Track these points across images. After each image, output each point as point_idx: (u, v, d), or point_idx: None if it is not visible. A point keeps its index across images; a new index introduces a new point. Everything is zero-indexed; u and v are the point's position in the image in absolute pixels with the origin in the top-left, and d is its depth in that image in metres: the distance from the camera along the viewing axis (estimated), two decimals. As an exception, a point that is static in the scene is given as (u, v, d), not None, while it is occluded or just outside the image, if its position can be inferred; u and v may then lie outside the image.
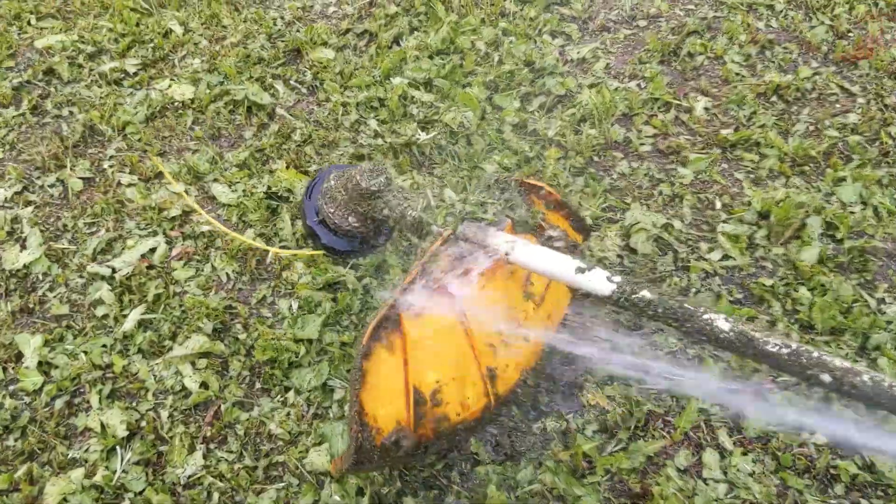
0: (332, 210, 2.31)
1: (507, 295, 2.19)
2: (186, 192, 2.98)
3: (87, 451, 2.34)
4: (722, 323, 1.92)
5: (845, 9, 3.36)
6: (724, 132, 2.98)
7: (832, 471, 2.16)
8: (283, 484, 2.26)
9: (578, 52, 3.39)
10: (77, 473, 2.29)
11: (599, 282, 2.02)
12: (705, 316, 1.94)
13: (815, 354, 1.85)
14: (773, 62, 3.24)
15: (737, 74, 3.21)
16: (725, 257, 2.61)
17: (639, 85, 3.23)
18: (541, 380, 2.38)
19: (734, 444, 2.23)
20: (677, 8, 3.58)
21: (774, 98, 3.10)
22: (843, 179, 2.76)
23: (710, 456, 2.21)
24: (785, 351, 1.87)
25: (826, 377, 1.85)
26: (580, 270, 2.04)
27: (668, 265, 2.63)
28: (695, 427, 2.28)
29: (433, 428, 2.08)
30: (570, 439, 2.26)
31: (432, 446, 2.16)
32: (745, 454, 2.21)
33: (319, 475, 2.26)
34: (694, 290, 2.55)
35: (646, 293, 1.98)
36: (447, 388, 2.07)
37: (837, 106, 3.04)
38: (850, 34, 3.27)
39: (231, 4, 3.76)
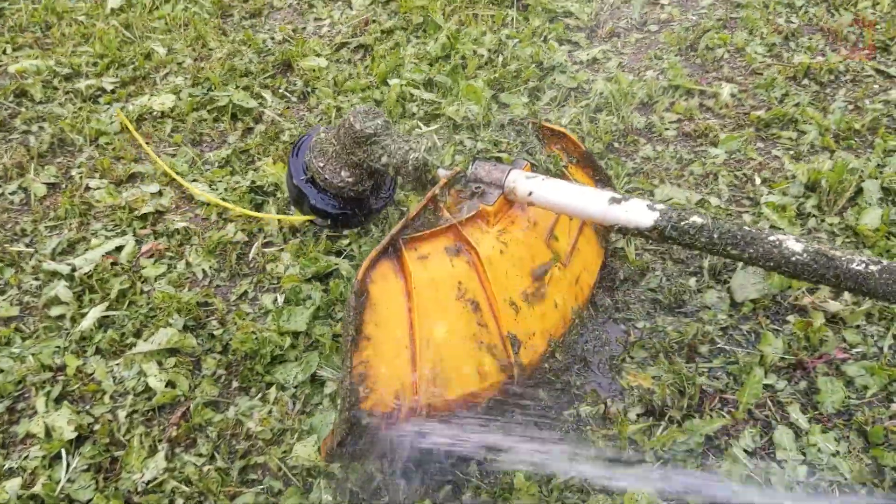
0: (322, 164, 2.00)
1: (529, 248, 1.85)
2: (161, 192, 2.67)
3: (26, 458, 1.93)
4: (793, 244, 1.58)
5: (868, 4, 3.16)
6: (755, 113, 2.71)
7: (935, 445, 1.76)
8: (262, 487, 1.85)
9: (588, 54, 3.16)
10: (12, 484, 1.88)
11: (639, 212, 1.69)
12: (771, 238, 1.60)
13: (911, 270, 1.50)
14: (800, 50, 3.00)
15: (761, 63, 2.97)
16: (772, 229, 2.27)
17: (656, 77, 2.98)
18: (571, 357, 2.00)
19: (809, 421, 1.84)
20: (690, 13, 3.38)
21: (806, 81, 2.84)
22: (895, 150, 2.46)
23: (782, 434, 1.81)
24: (874, 268, 1.52)
25: (930, 295, 1.49)
26: (615, 201, 1.71)
27: (708, 241, 2.29)
28: (759, 405, 1.88)
29: (444, 399, 1.70)
30: (611, 424, 1.86)
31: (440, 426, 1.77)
32: (824, 432, 1.81)
33: (306, 475, 1.85)
34: (740, 265, 2.21)
35: (696, 218, 1.64)
36: (460, 347, 1.70)
37: (875, 87, 2.78)
38: (878, 26, 3.05)
39: (219, 29, 3.57)
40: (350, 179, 1.99)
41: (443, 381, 1.69)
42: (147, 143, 2.90)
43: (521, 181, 1.79)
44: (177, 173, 2.73)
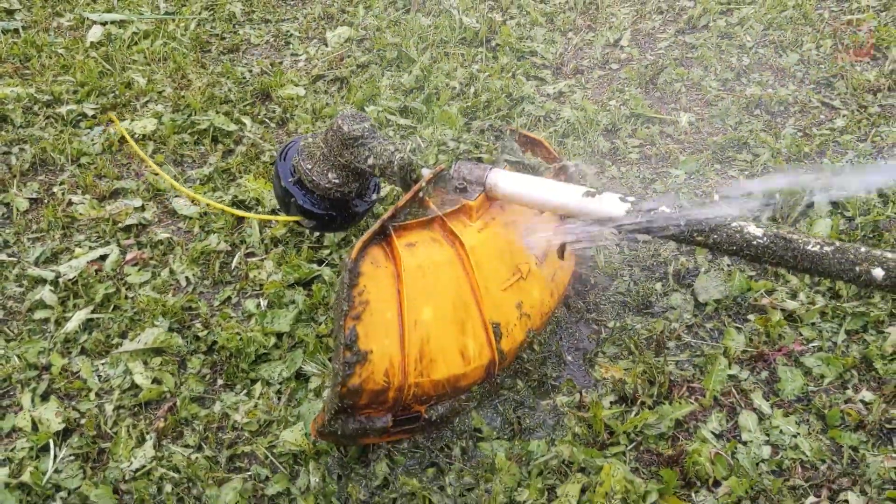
0: (309, 167, 2.10)
1: (508, 244, 1.96)
2: (144, 206, 2.74)
3: (13, 450, 1.96)
4: (753, 229, 1.71)
5: (812, 46, 3.39)
6: (712, 138, 2.89)
7: (888, 425, 1.88)
8: (249, 473, 1.89)
9: (554, 88, 3.34)
10: (0, 473, 1.90)
11: (612, 204, 1.82)
12: (734, 224, 1.74)
13: (864, 249, 1.64)
14: (751, 84, 3.20)
15: (716, 95, 3.16)
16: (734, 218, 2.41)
17: (619, 106, 3.15)
18: (548, 349, 2.09)
19: (772, 406, 1.95)
20: (648, 53, 3.59)
21: (758, 111, 3.04)
22: (843, 171, 2.65)
23: (746, 418, 1.92)
24: (828, 249, 1.65)
25: (878, 272, 1.63)
26: (589, 195, 1.84)
27: (672, 249, 2.43)
28: (725, 393, 2.00)
29: (430, 379, 1.78)
30: (587, 412, 1.96)
31: (429, 409, 1.85)
32: (786, 416, 1.92)
33: (293, 461, 1.90)
34: (702, 269, 2.34)
35: (665, 208, 1.77)
36: (445, 330, 1.79)
37: (822, 116, 2.98)
38: (822, 65, 3.28)
39: (197, 62, 3.68)
40: (337, 181, 2.09)
41: (429, 362, 1.77)
42: (132, 162, 2.98)
43: (502, 178, 1.91)
44: (157, 191, 2.81)
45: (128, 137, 2.74)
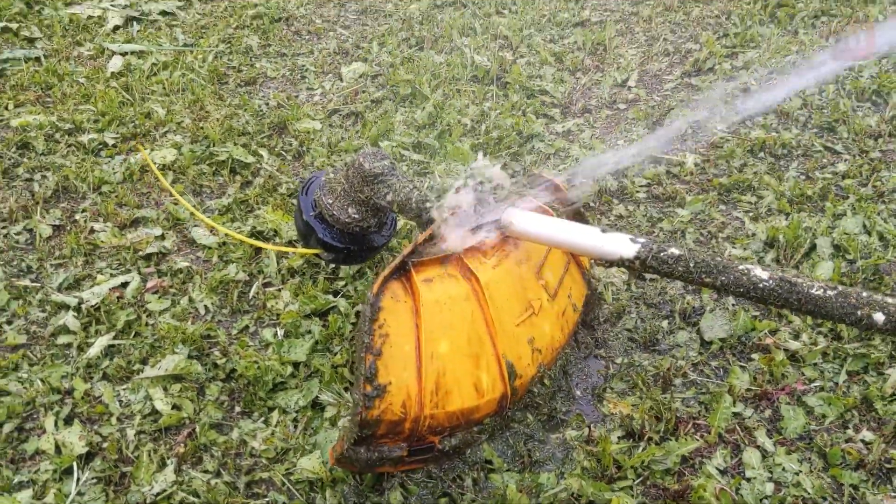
0: (330, 201, 2.18)
1: (521, 279, 2.03)
2: (164, 235, 2.81)
3: (36, 472, 2.01)
4: (759, 272, 1.78)
5: (815, 91, 3.49)
6: (717, 179, 2.97)
7: (887, 465, 1.94)
8: (267, 500, 1.95)
9: (563, 126, 3.43)
10: (24, 495, 1.96)
11: (622, 244, 1.89)
12: (741, 266, 1.81)
13: (865, 294, 1.71)
14: (755, 127, 3.30)
15: (722, 137, 3.25)
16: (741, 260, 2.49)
17: (627, 146, 3.24)
18: (558, 384, 2.16)
19: (775, 444, 2.01)
20: (655, 94, 3.69)
21: (762, 154, 3.12)
22: (844, 214, 2.72)
23: (750, 455, 1.98)
24: (831, 293, 1.72)
25: (879, 316, 1.70)
26: (601, 234, 1.91)
27: (678, 288, 2.50)
28: (729, 430, 2.06)
29: (444, 411, 1.84)
30: (595, 446, 2.02)
31: (443, 440, 1.91)
32: (788, 454, 1.98)
33: (309, 489, 1.96)
34: (708, 308, 2.41)
35: (674, 250, 1.84)
36: (460, 364, 1.86)
37: (824, 160, 3.07)
38: (825, 110, 3.37)
39: (215, 94, 3.77)
40: (356, 216, 2.16)
41: (444, 395, 1.84)
42: (151, 191, 3.06)
43: (517, 217, 1.98)
44: (177, 220, 2.89)
45: (153, 167, 2.82)
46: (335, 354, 2.33)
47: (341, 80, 3.92)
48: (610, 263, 1.92)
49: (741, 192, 2.91)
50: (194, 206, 2.95)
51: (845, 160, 3.05)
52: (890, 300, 1.71)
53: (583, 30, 4.33)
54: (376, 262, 2.62)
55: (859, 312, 1.71)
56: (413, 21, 4.57)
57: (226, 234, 2.74)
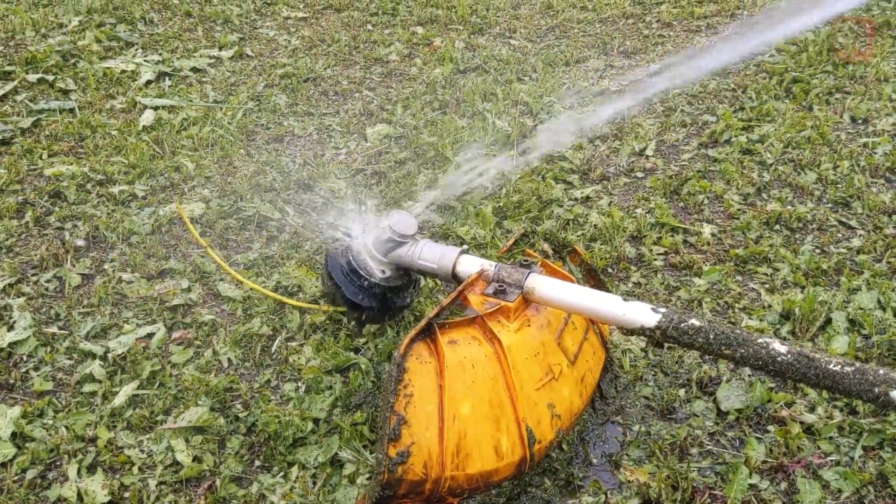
0: (360, 262, 2.24)
1: (542, 345, 2.07)
2: (190, 288, 2.88)
3: (59, 519, 2.04)
4: (778, 346, 1.82)
5: (830, 166, 3.56)
6: (734, 250, 3.02)
7: (904, 542, 1.95)
8: (285, 555, 1.97)
9: (582, 192, 3.50)
10: (45, 542, 1.98)
11: (644, 314, 1.93)
12: (760, 340, 1.85)
13: (882, 371, 1.74)
14: (771, 200, 3.36)
15: (738, 209, 3.31)
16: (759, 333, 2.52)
17: (645, 214, 3.30)
18: (575, 450, 2.18)
19: (791, 518, 2.03)
20: (672, 164, 3.77)
21: (778, 227, 3.18)
22: (859, 288, 2.76)
23: (767, 528, 1.99)
24: (849, 369, 1.76)
25: (895, 394, 1.73)
26: (623, 303, 1.96)
27: (695, 357, 2.53)
28: (745, 501, 2.07)
29: (465, 473, 1.87)
30: (610, 512, 2.03)
31: (462, 501, 1.94)
32: (805, 528, 1.99)
33: (329, 545, 1.98)
34: (724, 378, 2.44)
35: (694, 321, 1.89)
36: (481, 427, 1.89)
37: (839, 235, 3.12)
38: (839, 185, 3.43)
39: (243, 150, 3.88)
40: (383, 276, 2.22)
41: (465, 456, 1.86)
42: (179, 244, 3.13)
43: (539, 283, 2.03)
44: (203, 273, 2.95)
45: (185, 219, 2.89)
46: (355, 412, 2.36)
47: (366, 140, 4.02)
48: (631, 332, 1.97)
49: (757, 263, 2.96)
50: (222, 259, 3.02)
51: (860, 235, 3.10)
52: (905, 378, 1.74)
53: (602, 98, 4.44)
54: (398, 322, 2.67)
55: (876, 390, 1.74)
56: (437, 85, 4.69)
57: (251, 289, 2.79)
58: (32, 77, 4.59)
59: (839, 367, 1.78)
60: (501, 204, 3.32)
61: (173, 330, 2.69)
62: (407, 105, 4.40)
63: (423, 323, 1.86)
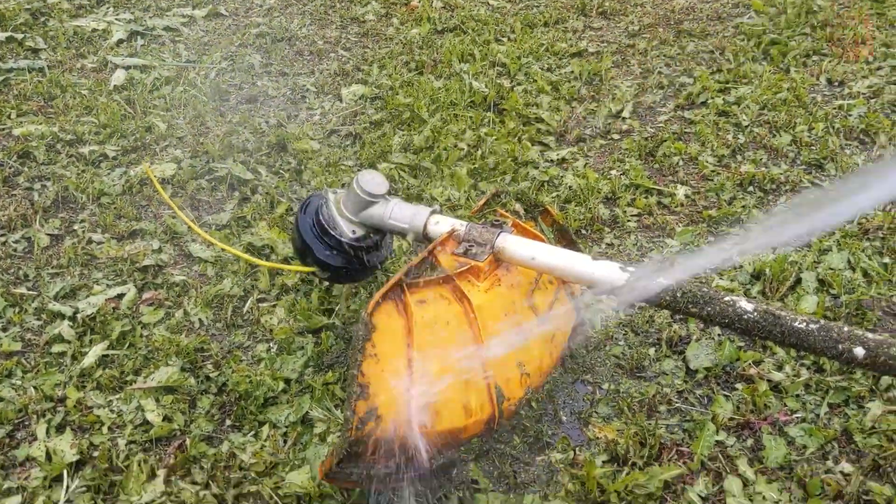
0: (330, 221, 2.22)
1: (512, 303, 2.07)
2: (161, 248, 2.85)
3: (26, 478, 2.04)
4: (744, 304, 1.83)
5: (805, 128, 3.56)
6: (707, 211, 3.03)
7: (865, 496, 1.98)
8: (256, 513, 1.98)
9: (558, 154, 3.49)
10: (13, 501, 1.98)
11: (613, 272, 1.93)
12: (727, 298, 1.85)
13: (846, 329, 1.76)
14: (745, 161, 3.36)
15: (712, 170, 3.31)
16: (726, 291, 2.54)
17: (619, 176, 3.30)
18: (545, 407, 2.20)
19: (756, 473, 2.05)
20: (648, 126, 3.76)
21: (751, 188, 3.18)
22: (829, 249, 2.78)
23: (732, 483, 2.01)
24: (814, 326, 1.77)
25: (859, 350, 1.75)
26: (592, 262, 1.95)
27: (666, 317, 2.55)
28: (712, 458, 2.10)
29: (433, 431, 1.88)
30: (580, 469, 2.05)
31: (431, 459, 1.94)
32: (769, 483, 2.02)
33: (298, 503, 1.99)
34: (694, 337, 2.46)
35: (662, 279, 1.89)
36: (450, 385, 1.89)
37: (811, 197, 3.13)
38: (814, 147, 3.44)
39: (216, 111, 3.83)
40: (354, 236, 2.21)
41: (433, 413, 1.87)
42: (150, 204, 3.10)
43: (510, 243, 2.03)
44: (175, 234, 2.93)
45: (154, 180, 2.86)
46: (327, 372, 2.36)
47: (341, 101, 3.97)
48: (601, 291, 1.97)
49: (730, 224, 2.97)
50: (192, 221, 3.00)
51: (833, 197, 3.12)
52: (870, 335, 1.76)
53: (580, 60, 4.41)
54: (370, 283, 2.66)
55: (840, 346, 1.76)
56: (413, 45, 4.64)
57: (222, 249, 2.77)
58: (1, 35, 4.49)
59: (804, 324, 1.79)
60: (477, 165, 3.30)
61: (144, 291, 2.67)
62: (383, 65, 4.35)
63: (392, 282, 1.85)
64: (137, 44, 4.62)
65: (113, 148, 3.46)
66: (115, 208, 3.07)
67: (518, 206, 2.33)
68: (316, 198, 2.30)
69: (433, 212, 2.12)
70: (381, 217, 2.16)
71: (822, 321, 1.76)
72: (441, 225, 2.12)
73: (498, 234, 2.04)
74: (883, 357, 1.75)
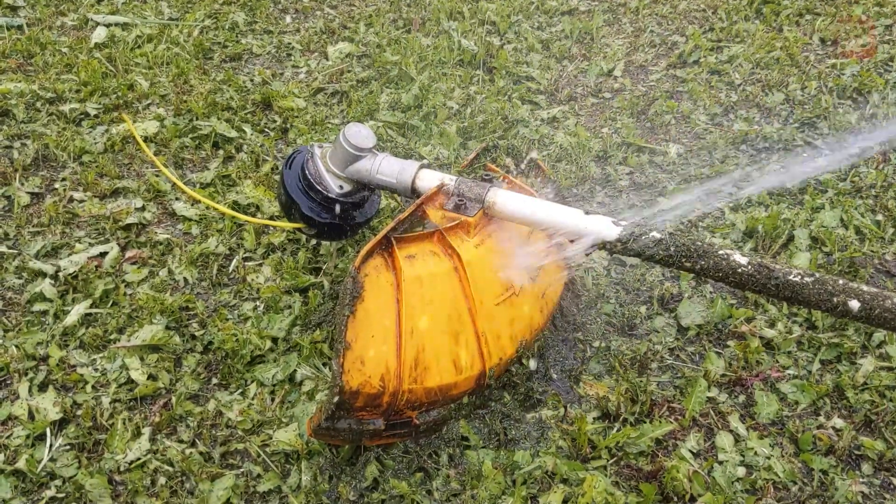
0: (317, 176, 2.17)
1: (503, 259, 2.04)
2: (144, 207, 2.80)
3: (9, 437, 2.00)
4: (739, 257, 1.80)
5: (798, 87, 3.52)
6: (699, 170, 2.99)
7: (857, 451, 1.98)
8: (242, 470, 1.95)
9: (549, 113, 3.43)
10: (-5, 460, 1.94)
11: (606, 226, 1.90)
12: (721, 252, 1.82)
13: (842, 282, 1.73)
14: (738, 120, 3.32)
15: (704, 129, 3.27)
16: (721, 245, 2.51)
17: (611, 134, 3.26)
18: (536, 363, 2.17)
19: (748, 429, 2.04)
20: (640, 84, 3.70)
21: (744, 147, 3.15)
22: (822, 207, 2.75)
23: (723, 439, 2.00)
24: (809, 280, 1.75)
25: (854, 303, 1.72)
26: (585, 216, 1.92)
27: (657, 274, 2.52)
28: (703, 414, 2.08)
29: (423, 386, 1.85)
30: (571, 426, 2.03)
31: (420, 415, 1.92)
32: (761, 438, 2.01)
33: (285, 461, 1.96)
34: (686, 295, 2.43)
35: (655, 233, 1.86)
36: (440, 340, 1.86)
37: (805, 155, 3.10)
38: (806, 105, 3.40)
39: (200, 69, 3.74)
40: (341, 191, 2.16)
41: (423, 370, 1.84)
42: (133, 162, 3.04)
43: (501, 197, 1.99)
44: (158, 192, 2.87)
45: (136, 136, 2.79)
46: (314, 330, 2.32)
47: (327, 59, 3.89)
48: (593, 245, 1.94)
49: (722, 182, 2.94)
50: (176, 177, 2.94)
51: (825, 155, 3.09)
52: (865, 288, 1.73)
53: (571, 18, 4.33)
54: (358, 240, 2.62)
55: (835, 299, 1.74)
56: (401, 2, 4.55)
57: (207, 207, 2.72)
58: (-23, -8, 4.37)
59: (799, 277, 1.76)
60: (466, 124, 3.25)
61: (127, 249, 2.62)
62: (370, 23, 4.26)
63: (379, 236, 1.81)
64: (118, 1, 4.50)
65: (94, 106, 3.37)
66: (96, 166, 3.00)
67: (509, 161, 2.28)
68: (301, 153, 2.25)
69: (422, 166, 2.08)
70: (368, 172, 2.11)
71: (817, 274, 1.74)
72: (430, 180, 2.08)
73: (488, 189, 2.00)
74: (878, 310, 1.73)
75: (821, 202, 2.77)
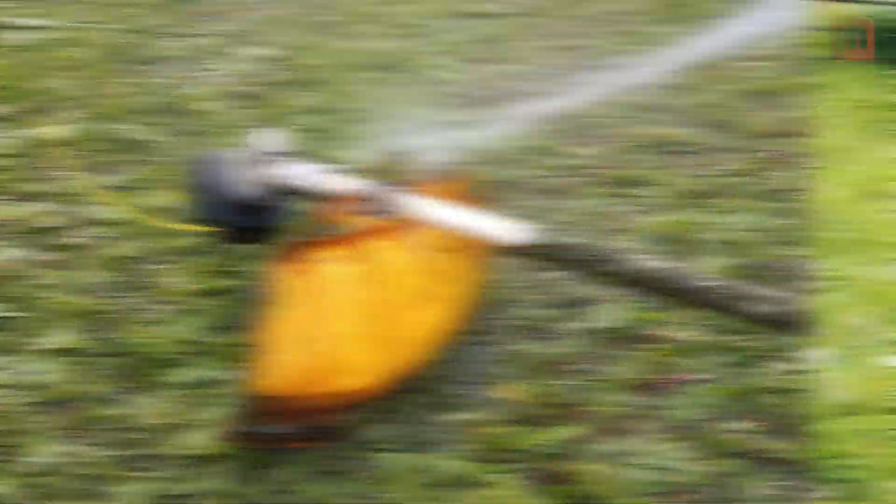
0: (229, 179, 2.17)
1: (417, 262, 2.06)
2: (58, 211, 2.76)
3: None
4: (648, 262, 1.87)
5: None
6: (611, 172, 3.08)
7: (767, 454, 2.05)
8: (155, 474, 1.93)
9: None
10: None
11: (515, 230, 1.95)
12: (631, 256, 1.89)
13: (748, 286, 1.81)
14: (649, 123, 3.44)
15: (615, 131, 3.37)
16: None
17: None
18: (447, 367, 2.20)
19: (660, 431, 2.10)
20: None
21: (655, 150, 3.25)
22: (733, 210, 2.86)
23: (635, 441, 2.06)
24: (716, 284, 1.82)
25: (762, 308, 1.80)
26: (493, 220, 1.96)
27: (570, 278, 2.58)
28: (614, 417, 2.14)
29: (336, 390, 1.87)
30: (482, 429, 2.07)
31: (330, 419, 1.94)
32: (672, 442, 2.07)
33: (198, 464, 1.95)
34: (598, 297, 2.50)
35: (565, 238, 1.92)
36: (352, 345, 1.88)
37: (716, 158, 3.22)
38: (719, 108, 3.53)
39: (113, 72, 3.71)
40: (254, 195, 2.16)
41: (335, 374, 1.86)
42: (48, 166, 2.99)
43: (415, 201, 2.02)
44: (72, 196, 2.83)
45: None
46: (229, 334, 2.32)
47: (241, 62, 3.89)
48: (504, 249, 1.98)
49: (633, 186, 3.03)
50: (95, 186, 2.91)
51: (737, 158, 3.20)
52: (772, 293, 1.81)
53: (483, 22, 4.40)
54: (272, 244, 2.62)
55: (742, 304, 1.81)
56: (316, 6, 4.56)
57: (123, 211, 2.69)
58: None
59: (707, 282, 1.84)
60: (381, 127, 3.27)
61: (40, 253, 2.58)
62: (284, 27, 4.27)
63: (293, 239, 1.83)
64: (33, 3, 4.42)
65: (7, 110, 3.30)
66: (9, 170, 2.94)
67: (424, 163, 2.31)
68: (212, 156, 2.24)
69: (335, 170, 2.09)
70: (279, 176, 2.12)
71: (725, 279, 1.81)
72: (343, 183, 2.10)
73: (402, 193, 2.03)
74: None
75: (732, 206, 2.87)
